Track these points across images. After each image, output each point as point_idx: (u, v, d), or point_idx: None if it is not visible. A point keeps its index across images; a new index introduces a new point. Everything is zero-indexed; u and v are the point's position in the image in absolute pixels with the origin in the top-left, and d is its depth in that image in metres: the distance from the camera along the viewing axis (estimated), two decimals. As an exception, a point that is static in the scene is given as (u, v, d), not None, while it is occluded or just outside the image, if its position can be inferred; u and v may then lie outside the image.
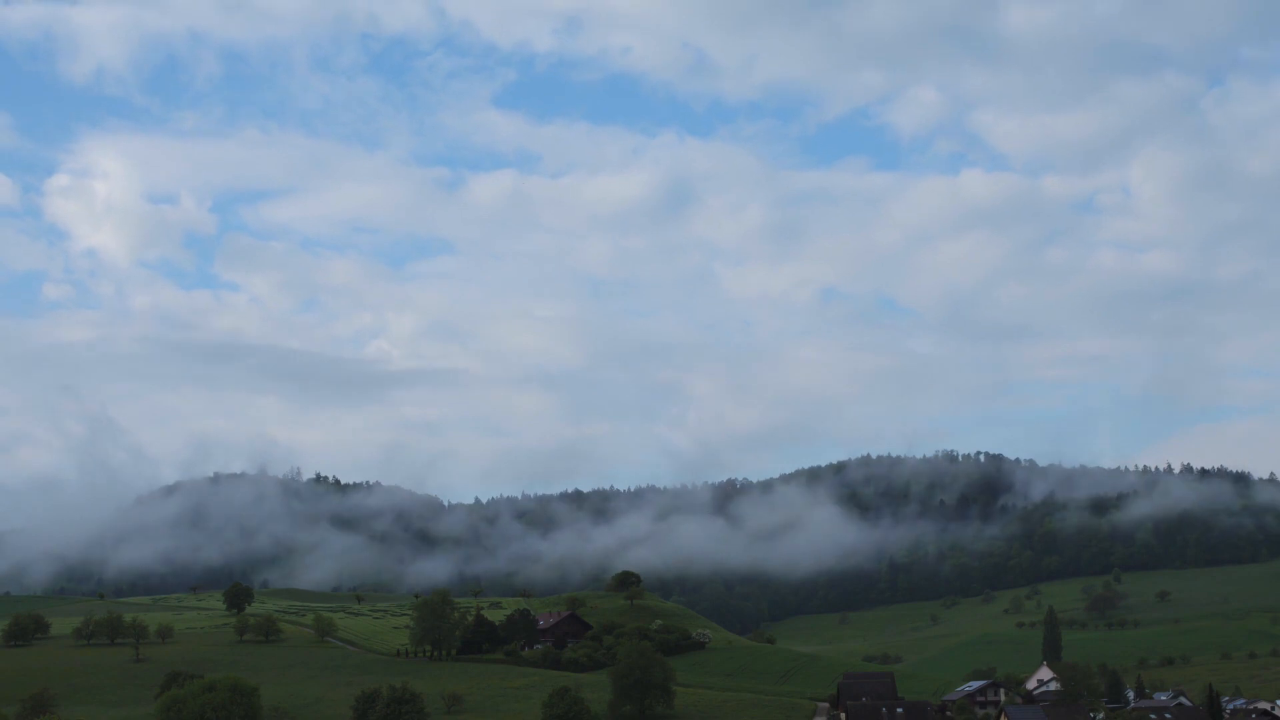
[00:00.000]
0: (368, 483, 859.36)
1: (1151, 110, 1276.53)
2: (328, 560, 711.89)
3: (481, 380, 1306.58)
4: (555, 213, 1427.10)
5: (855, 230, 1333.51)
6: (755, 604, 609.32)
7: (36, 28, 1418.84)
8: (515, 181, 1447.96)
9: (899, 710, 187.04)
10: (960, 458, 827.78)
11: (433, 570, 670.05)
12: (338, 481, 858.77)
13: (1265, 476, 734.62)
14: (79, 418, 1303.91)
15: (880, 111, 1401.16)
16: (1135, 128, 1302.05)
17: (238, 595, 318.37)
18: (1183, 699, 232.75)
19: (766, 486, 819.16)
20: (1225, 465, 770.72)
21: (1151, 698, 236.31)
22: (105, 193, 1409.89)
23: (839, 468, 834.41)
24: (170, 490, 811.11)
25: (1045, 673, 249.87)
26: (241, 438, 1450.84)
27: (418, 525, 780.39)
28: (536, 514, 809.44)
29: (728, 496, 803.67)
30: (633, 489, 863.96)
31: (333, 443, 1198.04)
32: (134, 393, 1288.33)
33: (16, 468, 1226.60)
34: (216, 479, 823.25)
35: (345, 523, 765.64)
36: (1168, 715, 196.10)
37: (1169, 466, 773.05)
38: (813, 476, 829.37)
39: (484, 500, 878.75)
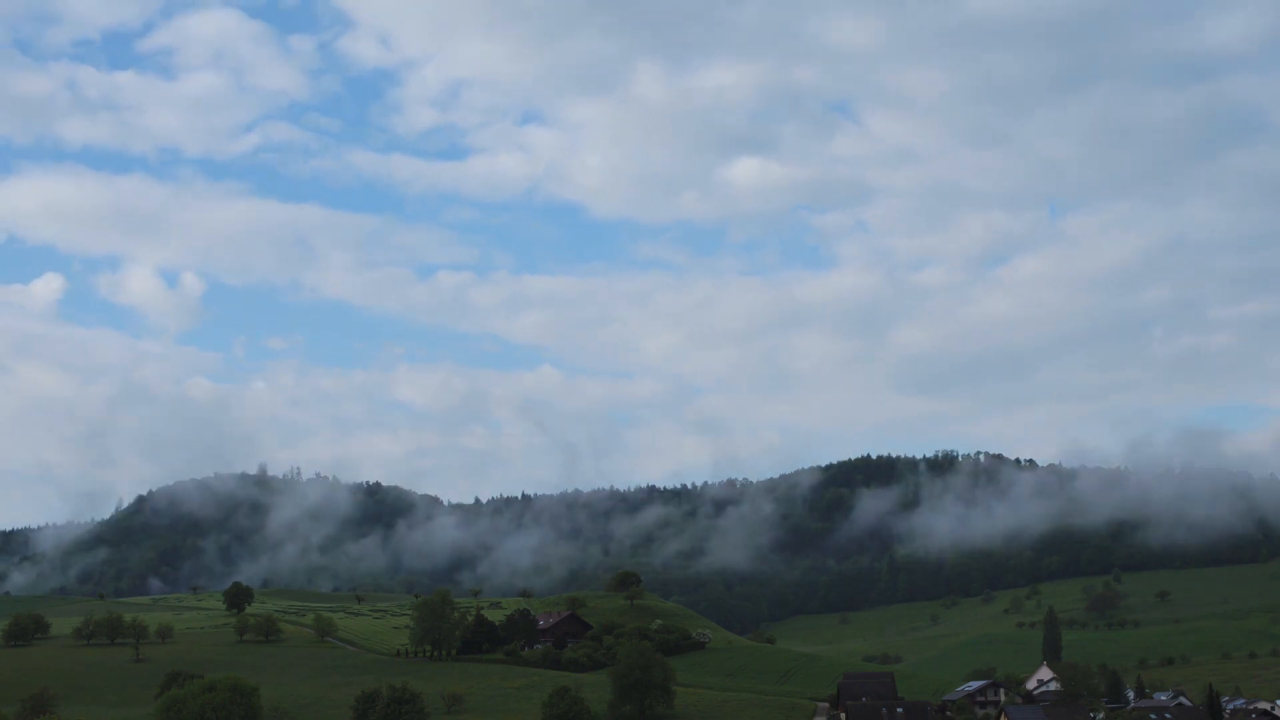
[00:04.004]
0: (367, 483, 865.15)
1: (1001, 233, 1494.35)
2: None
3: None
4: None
5: (763, 304, 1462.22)
6: (755, 604, 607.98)
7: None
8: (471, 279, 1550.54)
9: (899, 710, 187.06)
10: (960, 457, 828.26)
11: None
12: (337, 481, 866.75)
13: (1265, 476, 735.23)
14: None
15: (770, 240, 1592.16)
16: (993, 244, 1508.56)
17: (238, 595, 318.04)
18: (1183, 699, 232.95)
19: (768, 487, 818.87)
20: (1224, 465, 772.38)
21: (1151, 698, 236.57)
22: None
23: (838, 468, 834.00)
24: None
25: (1045, 673, 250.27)
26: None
27: (427, 523, 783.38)
28: (536, 513, 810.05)
29: (727, 497, 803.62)
30: (633, 489, 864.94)
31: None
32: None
33: (17, 471, 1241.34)
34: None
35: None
36: (1168, 715, 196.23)
37: (1168, 467, 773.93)
38: (811, 477, 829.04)
39: (483, 500, 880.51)
